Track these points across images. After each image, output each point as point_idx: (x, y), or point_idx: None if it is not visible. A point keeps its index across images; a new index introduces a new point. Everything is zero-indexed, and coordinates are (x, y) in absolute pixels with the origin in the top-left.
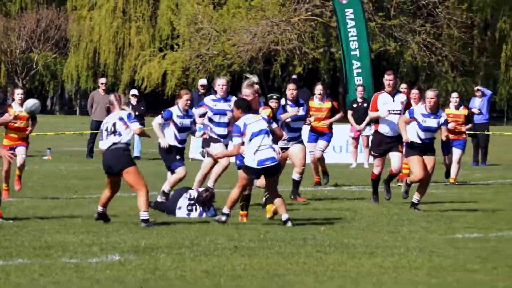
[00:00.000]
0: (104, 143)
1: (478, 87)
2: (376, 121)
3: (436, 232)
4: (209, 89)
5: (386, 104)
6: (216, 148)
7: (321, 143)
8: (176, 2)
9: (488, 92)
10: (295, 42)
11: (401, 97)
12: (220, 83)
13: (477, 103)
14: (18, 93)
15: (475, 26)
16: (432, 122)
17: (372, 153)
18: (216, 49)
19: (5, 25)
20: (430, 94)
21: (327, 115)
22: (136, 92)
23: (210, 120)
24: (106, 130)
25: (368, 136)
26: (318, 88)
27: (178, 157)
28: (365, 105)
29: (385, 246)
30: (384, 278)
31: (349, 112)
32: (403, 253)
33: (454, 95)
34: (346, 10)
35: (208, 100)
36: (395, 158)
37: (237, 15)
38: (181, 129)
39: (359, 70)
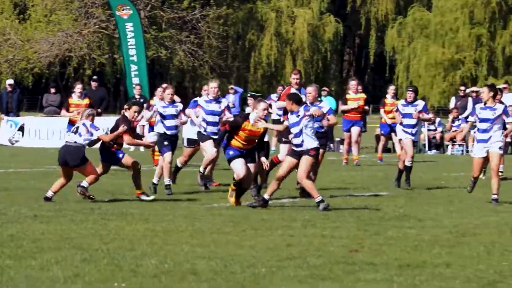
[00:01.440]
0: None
1: (232, 86)
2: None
3: (198, 202)
4: (15, 88)
5: None
6: (206, 145)
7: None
8: None
9: (240, 90)
10: (85, 50)
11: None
12: (213, 86)
13: (231, 99)
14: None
15: (229, 37)
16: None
17: (283, 139)
18: (21, 55)
19: None
20: (309, 89)
21: None
22: None
23: (204, 119)
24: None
25: (144, 126)
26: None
27: (166, 143)
28: (141, 100)
29: (156, 214)
30: (155, 240)
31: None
32: (171, 219)
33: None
34: (126, 24)
35: (201, 101)
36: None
37: (38, 28)
38: (165, 117)
39: (137, 72)
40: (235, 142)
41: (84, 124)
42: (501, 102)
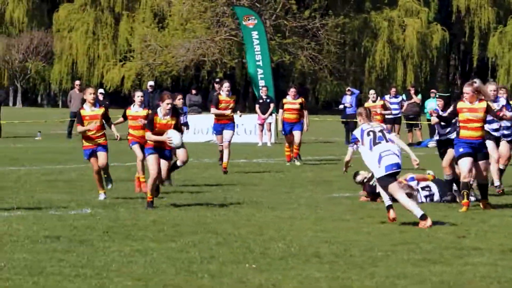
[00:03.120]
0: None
1: (349, 88)
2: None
3: (319, 193)
4: (155, 89)
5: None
6: None
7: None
8: (131, 26)
9: (356, 91)
10: (217, 55)
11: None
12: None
13: (348, 99)
14: (90, 92)
15: (346, 44)
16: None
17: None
18: (160, 60)
19: (8, 42)
20: (492, 87)
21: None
22: (103, 91)
23: None
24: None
25: (270, 123)
26: (292, 90)
27: None
28: (267, 100)
29: (282, 203)
30: (282, 226)
31: (257, 106)
32: (295, 208)
33: (292, 90)
34: (252, 32)
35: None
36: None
37: (175, 35)
38: None
39: (262, 76)
40: None
41: None
42: None
